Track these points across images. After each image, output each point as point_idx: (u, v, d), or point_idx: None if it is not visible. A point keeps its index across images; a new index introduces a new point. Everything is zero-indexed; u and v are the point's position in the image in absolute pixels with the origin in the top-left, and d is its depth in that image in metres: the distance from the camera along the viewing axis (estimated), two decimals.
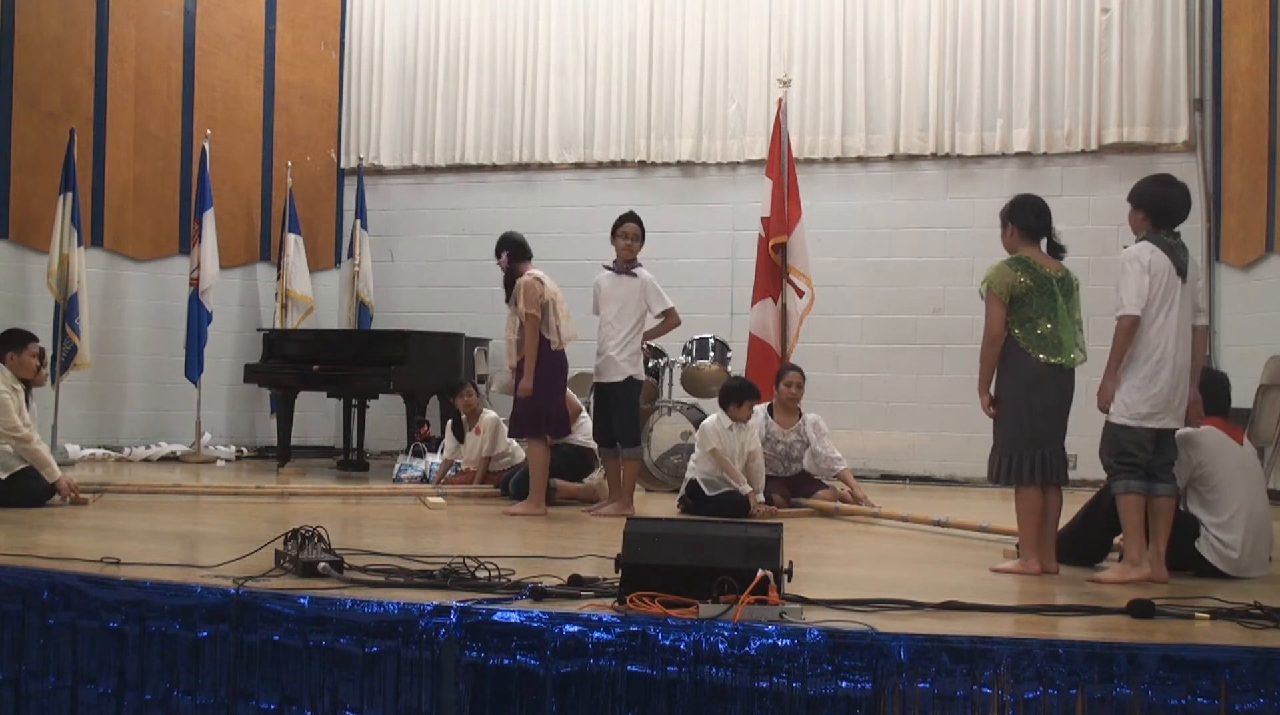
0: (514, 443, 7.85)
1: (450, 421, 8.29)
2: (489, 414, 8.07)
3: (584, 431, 7.44)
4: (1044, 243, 4.92)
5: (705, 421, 7.13)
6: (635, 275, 6.84)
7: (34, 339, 6.66)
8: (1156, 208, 4.66)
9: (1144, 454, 4.53)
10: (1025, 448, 4.72)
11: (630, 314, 6.81)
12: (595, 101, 10.95)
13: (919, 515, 6.64)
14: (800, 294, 8.32)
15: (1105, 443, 4.60)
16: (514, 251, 6.83)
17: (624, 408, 6.81)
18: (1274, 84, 8.45)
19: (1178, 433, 4.79)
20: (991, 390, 4.87)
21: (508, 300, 6.79)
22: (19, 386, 6.47)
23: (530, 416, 6.66)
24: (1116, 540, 4.88)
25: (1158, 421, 4.53)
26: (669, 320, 6.95)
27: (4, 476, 6.27)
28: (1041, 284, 4.77)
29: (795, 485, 7.40)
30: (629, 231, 6.88)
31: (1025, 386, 4.75)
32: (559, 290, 6.77)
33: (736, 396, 6.96)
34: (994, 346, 4.80)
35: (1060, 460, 4.78)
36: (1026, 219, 4.91)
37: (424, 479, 8.23)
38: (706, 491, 6.89)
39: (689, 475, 7.07)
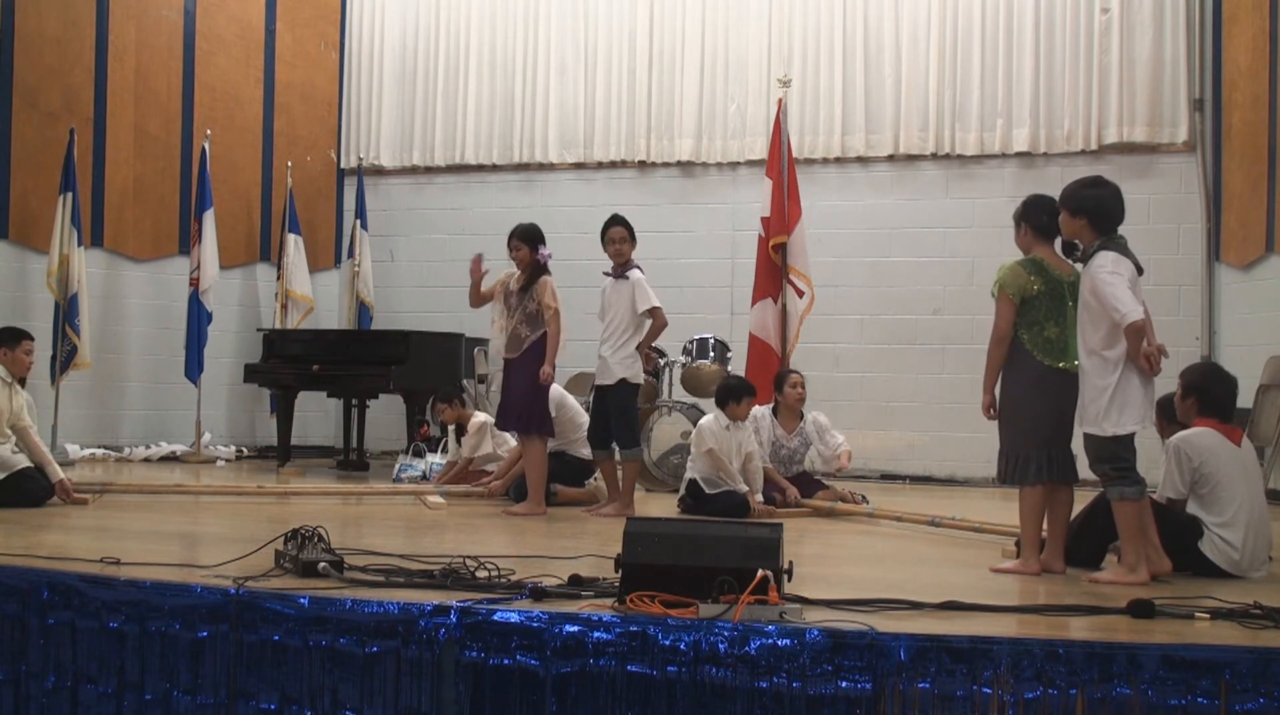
0: (507, 441, 7.83)
1: (454, 425, 8.28)
2: (478, 417, 8.06)
3: (587, 445, 7.37)
4: (1057, 243, 4.90)
5: (702, 421, 7.14)
6: (627, 278, 6.84)
7: (28, 337, 6.65)
8: (1097, 213, 4.58)
9: (1133, 456, 4.53)
10: (1031, 447, 4.73)
11: (623, 317, 6.81)
12: (595, 101, 10.96)
13: (911, 515, 6.66)
14: (800, 294, 8.32)
15: (1100, 453, 4.54)
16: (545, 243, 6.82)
17: (619, 410, 6.82)
18: (1274, 84, 8.45)
19: (1172, 439, 4.79)
20: (996, 391, 4.87)
21: (526, 289, 6.71)
22: (11, 382, 6.44)
23: (527, 415, 6.67)
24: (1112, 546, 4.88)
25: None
26: (655, 321, 6.85)
27: (3, 476, 6.27)
28: (1053, 288, 4.77)
29: (795, 485, 7.39)
30: (615, 236, 6.88)
31: (1029, 389, 4.75)
32: None
33: (735, 395, 6.96)
34: (1001, 346, 4.80)
35: (1067, 459, 4.79)
36: (1038, 218, 4.88)
37: (424, 479, 8.22)
38: (706, 490, 6.89)
39: (688, 475, 7.08)
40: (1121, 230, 4.62)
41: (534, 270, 6.73)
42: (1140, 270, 4.57)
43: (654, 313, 6.81)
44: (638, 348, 6.85)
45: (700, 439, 6.93)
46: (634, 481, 6.92)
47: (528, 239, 6.76)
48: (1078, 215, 4.63)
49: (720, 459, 6.84)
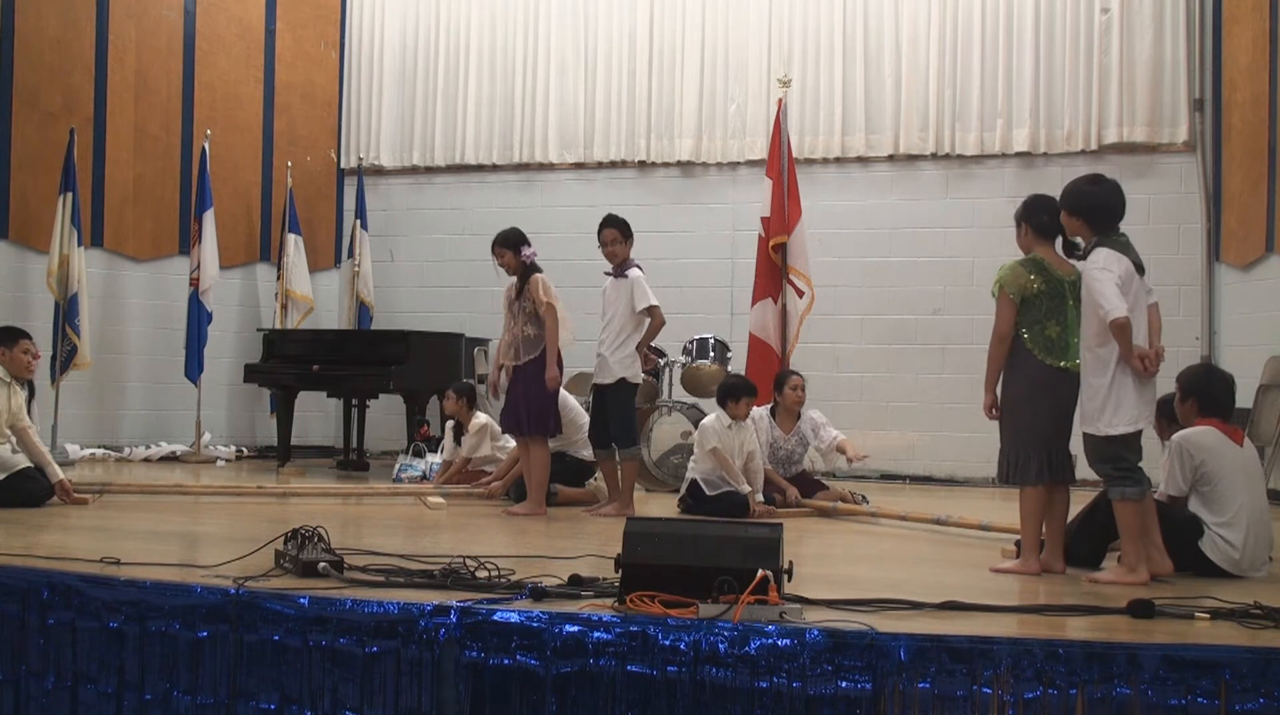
0: (506, 443, 7.83)
1: (453, 423, 8.29)
2: (480, 418, 8.06)
3: (588, 446, 7.34)
4: (1059, 243, 4.90)
5: (705, 421, 7.14)
6: (626, 276, 6.84)
7: (26, 336, 6.65)
8: (1093, 211, 4.59)
9: (1135, 457, 4.53)
10: (1031, 448, 4.73)
11: (622, 316, 6.80)
12: (595, 101, 10.96)
13: (917, 514, 6.66)
14: (800, 294, 8.31)
15: (1099, 453, 4.55)
16: (528, 243, 6.82)
17: (618, 409, 6.82)
18: (1274, 84, 8.45)
19: (1174, 437, 4.79)
20: (998, 390, 4.87)
21: (520, 295, 6.73)
22: (10, 382, 6.45)
23: (542, 414, 6.68)
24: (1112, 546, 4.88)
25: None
26: (653, 320, 6.83)
27: (3, 476, 6.27)
28: (1054, 287, 4.77)
29: (795, 486, 7.38)
30: (607, 238, 6.89)
31: (1030, 388, 4.75)
32: None
33: (734, 394, 6.97)
34: (1002, 346, 4.80)
35: (1066, 460, 4.79)
36: (1039, 218, 4.88)
37: (424, 479, 8.22)
38: (706, 491, 6.89)
39: (689, 475, 7.08)
40: (1122, 230, 4.62)
41: (524, 271, 6.75)
42: (1140, 268, 4.56)
43: (652, 311, 6.80)
44: (637, 347, 6.84)
45: (704, 438, 6.93)
46: (633, 481, 6.92)
47: (509, 244, 6.77)
48: (1075, 214, 4.64)
49: (724, 458, 6.83)
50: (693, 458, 7.13)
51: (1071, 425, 4.79)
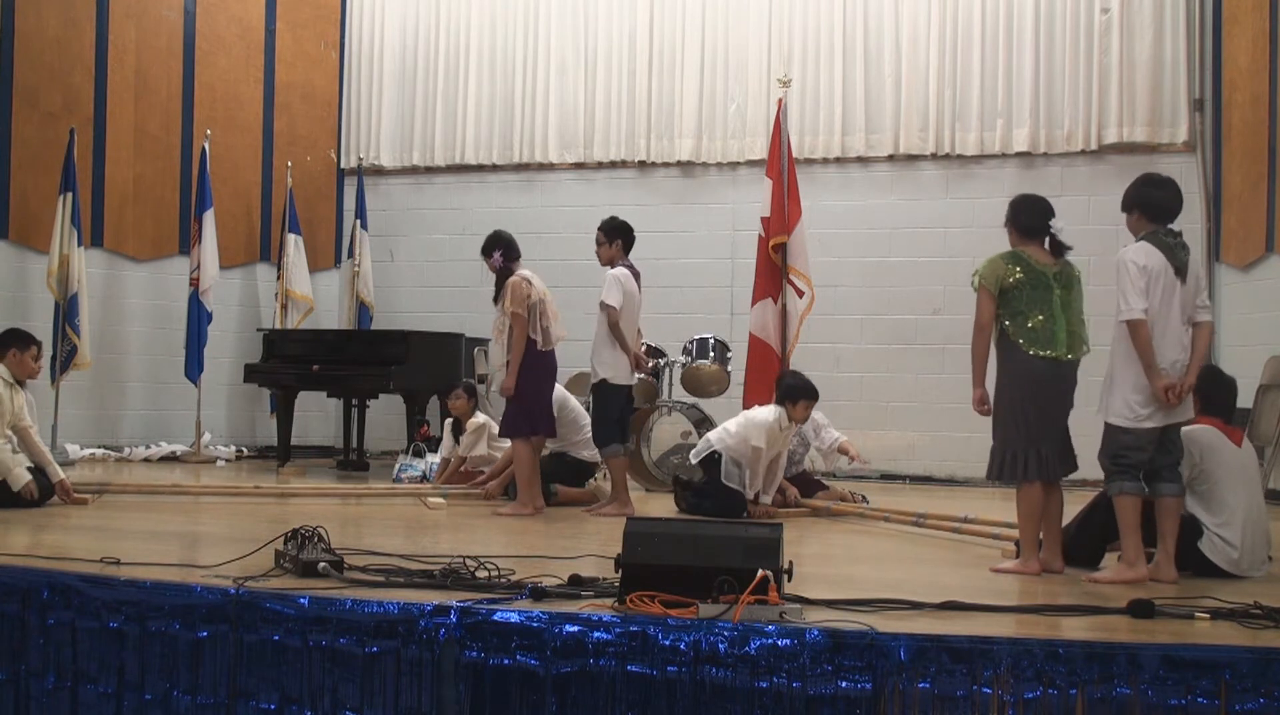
0: (504, 443, 7.84)
1: (451, 421, 8.29)
2: (479, 418, 8.06)
3: (588, 446, 7.37)
4: (1047, 241, 4.92)
5: (765, 413, 6.80)
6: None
7: (36, 342, 6.67)
8: (1146, 207, 4.72)
9: (1142, 455, 4.52)
10: (1024, 444, 4.72)
11: (597, 316, 6.81)
12: (595, 101, 10.96)
13: (898, 512, 6.70)
14: (800, 294, 8.29)
15: (1104, 444, 4.60)
16: (506, 250, 6.86)
17: (596, 409, 6.85)
18: (1274, 84, 8.45)
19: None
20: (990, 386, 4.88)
21: (497, 299, 6.81)
22: (12, 383, 6.45)
23: (516, 416, 6.70)
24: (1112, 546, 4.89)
25: (1157, 420, 4.52)
26: (607, 317, 6.71)
27: (3, 477, 6.27)
28: (1035, 278, 4.78)
29: (795, 485, 7.38)
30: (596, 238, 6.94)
31: (1021, 382, 4.75)
32: (547, 291, 6.82)
33: (794, 396, 6.72)
34: (982, 336, 4.82)
35: (1057, 457, 4.78)
36: (1020, 219, 4.94)
37: (424, 479, 8.23)
38: (721, 476, 6.77)
39: (715, 444, 6.86)
40: (1175, 229, 4.71)
41: (499, 276, 6.82)
42: (1179, 267, 4.58)
43: (604, 308, 6.72)
44: (623, 349, 6.77)
45: (755, 431, 6.68)
46: (623, 478, 6.87)
47: (484, 251, 6.92)
48: (1130, 210, 4.76)
49: (758, 460, 6.72)
50: (728, 431, 6.88)
51: (1065, 421, 4.80)
